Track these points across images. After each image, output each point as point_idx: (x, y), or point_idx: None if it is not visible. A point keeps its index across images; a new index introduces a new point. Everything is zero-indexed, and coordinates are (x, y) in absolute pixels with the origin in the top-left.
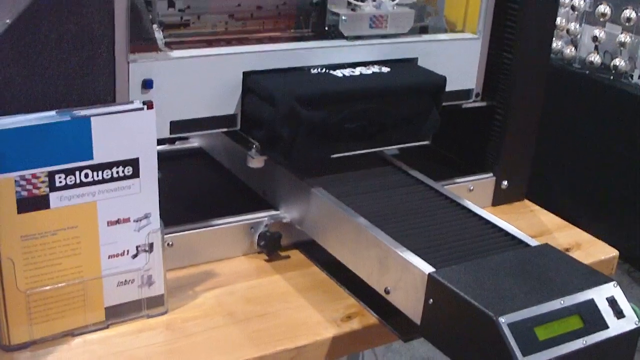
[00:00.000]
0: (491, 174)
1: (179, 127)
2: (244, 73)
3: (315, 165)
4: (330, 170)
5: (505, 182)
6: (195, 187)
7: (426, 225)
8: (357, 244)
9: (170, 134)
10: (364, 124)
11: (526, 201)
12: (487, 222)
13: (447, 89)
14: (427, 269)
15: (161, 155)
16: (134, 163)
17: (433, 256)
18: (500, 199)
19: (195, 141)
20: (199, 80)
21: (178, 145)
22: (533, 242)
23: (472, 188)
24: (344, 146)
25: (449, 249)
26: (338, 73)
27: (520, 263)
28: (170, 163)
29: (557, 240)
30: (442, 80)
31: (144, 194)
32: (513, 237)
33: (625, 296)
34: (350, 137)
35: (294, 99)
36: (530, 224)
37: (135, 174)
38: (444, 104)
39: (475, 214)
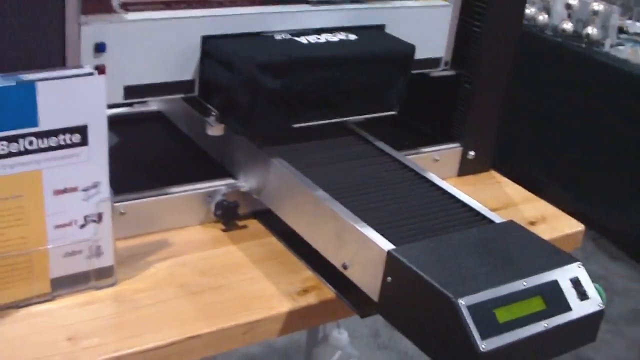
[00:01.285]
0: (458, 144)
1: (134, 92)
2: (202, 37)
3: (275, 134)
4: (291, 139)
5: (471, 153)
6: (151, 153)
7: (388, 199)
8: (315, 217)
9: (125, 99)
10: (328, 93)
11: (492, 172)
12: (452, 196)
13: (416, 57)
14: (387, 245)
15: (118, 119)
16: (82, 130)
17: (393, 232)
18: (466, 169)
19: (154, 105)
20: (155, 44)
21: (136, 109)
22: (498, 219)
23: (437, 158)
24: (307, 116)
25: (411, 224)
26: (302, 40)
27: (484, 241)
28: (127, 127)
29: (523, 213)
30: (411, 49)
31: (92, 162)
32: (477, 213)
33: (589, 263)
34: (314, 106)
35: (254, 66)
36: (496, 195)
37: (84, 142)
38: (412, 72)
39: (440, 188)
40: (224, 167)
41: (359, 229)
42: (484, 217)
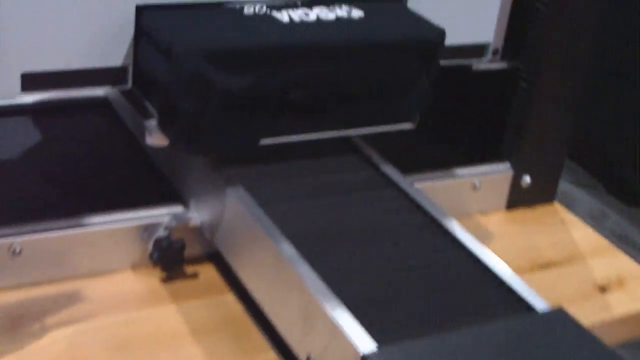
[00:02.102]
0: (507, 165)
1: (36, 81)
2: (137, 8)
3: (233, 152)
4: (262, 157)
5: (527, 178)
6: (76, 159)
7: (381, 260)
8: (276, 281)
9: (23, 90)
10: (316, 97)
11: (556, 205)
12: (475, 259)
13: (453, 41)
14: (364, 344)
15: (42, 107)
16: None
17: (379, 318)
18: (518, 200)
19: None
20: (68, 15)
21: (75, 94)
22: (541, 304)
23: (478, 184)
24: (282, 128)
25: (408, 307)
26: (283, 15)
27: (510, 346)
28: (54, 120)
29: (591, 271)
30: (439, 34)
31: None
32: (511, 291)
33: None
34: (293, 114)
35: (202, 56)
36: (556, 240)
37: None
38: (445, 62)
39: (460, 244)
40: (173, 185)
41: (330, 312)
42: (520, 300)
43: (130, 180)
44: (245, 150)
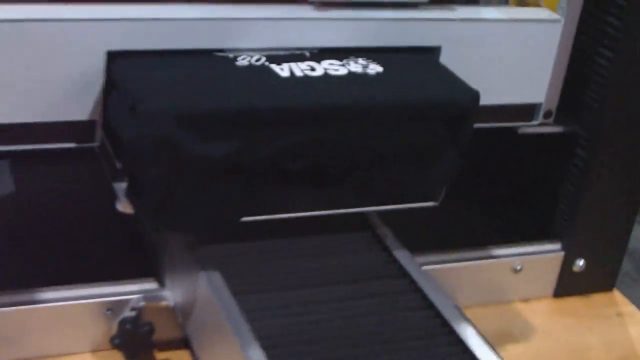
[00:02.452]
0: (558, 246)
1: None
2: (108, 54)
3: (208, 230)
4: (248, 233)
5: (580, 262)
6: (42, 216)
7: None
8: None
9: None
10: (315, 166)
11: (616, 293)
12: None
13: (496, 101)
14: None
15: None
16: None
17: None
18: (568, 287)
19: None
20: (30, 59)
21: None
22: None
23: (519, 267)
24: (274, 203)
25: None
26: (283, 70)
27: None
28: (28, 169)
29: None
30: (471, 97)
31: None
32: None
33: None
34: (289, 187)
35: (173, 116)
36: (610, 340)
37: None
38: (486, 125)
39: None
40: (151, 258)
41: None
42: None
43: (103, 248)
44: (224, 229)
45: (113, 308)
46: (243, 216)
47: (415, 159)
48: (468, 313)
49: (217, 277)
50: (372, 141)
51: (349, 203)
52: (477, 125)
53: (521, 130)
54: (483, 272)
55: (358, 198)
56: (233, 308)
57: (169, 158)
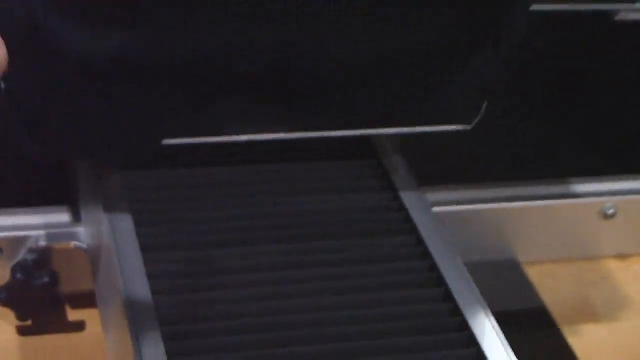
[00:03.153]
0: None
1: None
2: None
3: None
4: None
5: None
6: None
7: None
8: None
9: None
10: (287, 67)
11: None
12: None
13: None
14: None
15: None
16: None
17: None
18: None
19: None
20: None
21: None
22: None
23: (612, 212)
24: (221, 119)
25: None
26: None
27: None
28: None
29: None
30: None
31: None
32: None
33: None
34: (244, 97)
35: None
36: None
37: None
38: (565, 7)
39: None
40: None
41: None
42: None
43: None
44: (141, 157)
45: (3, 248)
46: (165, 138)
47: (436, 62)
48: (538, 271)
49: (124, 221)
50: (365, 34)
51: (336, 124)
52: (549, 8)
53: (619, 17)
54: (561, 216)
55: (350, 117)
56: (128, 241)
57: (42, 53)
